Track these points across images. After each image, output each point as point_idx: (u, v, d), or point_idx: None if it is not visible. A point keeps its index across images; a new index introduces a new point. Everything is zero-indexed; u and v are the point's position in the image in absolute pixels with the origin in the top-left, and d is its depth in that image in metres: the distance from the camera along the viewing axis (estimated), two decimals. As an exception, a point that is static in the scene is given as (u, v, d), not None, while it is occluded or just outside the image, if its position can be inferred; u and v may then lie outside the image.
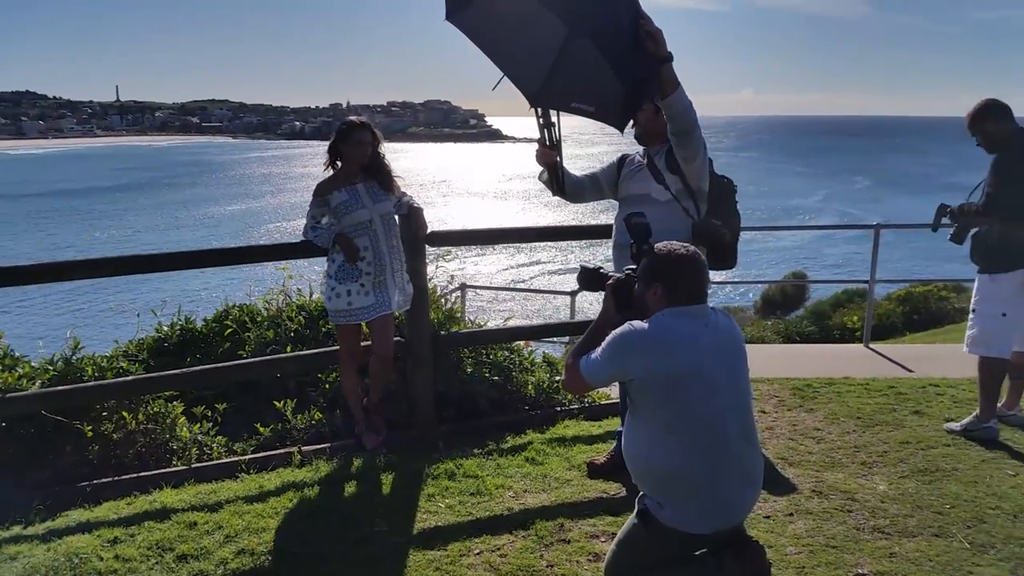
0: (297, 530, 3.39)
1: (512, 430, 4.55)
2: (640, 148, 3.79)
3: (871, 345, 6.77)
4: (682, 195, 3.59)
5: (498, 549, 3.21)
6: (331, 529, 3.40)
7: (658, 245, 2.61)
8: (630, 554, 2.69)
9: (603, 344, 2.56)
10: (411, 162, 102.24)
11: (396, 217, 4.25)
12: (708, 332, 2.50)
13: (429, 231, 4.40)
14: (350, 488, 3.81)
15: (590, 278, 2.89)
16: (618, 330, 2.53)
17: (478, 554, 3.17)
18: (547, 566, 3.08)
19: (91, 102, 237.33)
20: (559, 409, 4.90)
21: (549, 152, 3.61)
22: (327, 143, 4.24)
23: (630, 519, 2.68)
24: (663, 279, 2.53)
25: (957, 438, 4.30)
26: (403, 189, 4.35)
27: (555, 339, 7.43)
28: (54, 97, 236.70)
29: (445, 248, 5.34)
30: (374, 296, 4.15)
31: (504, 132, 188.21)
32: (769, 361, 6.42)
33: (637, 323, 2.52)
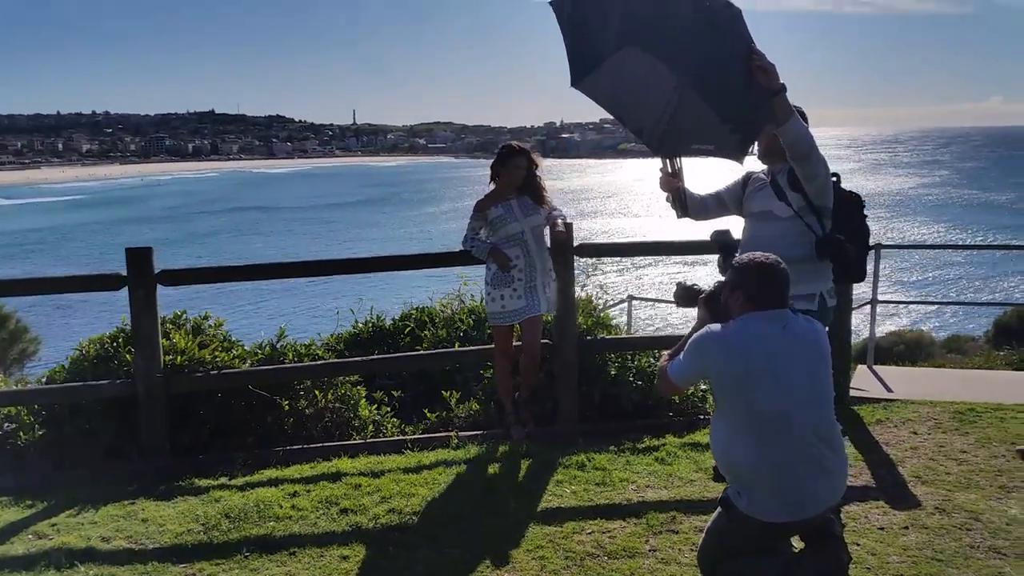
0: (441, 498, 3.94)
1: (650, 433, 4.81)
2: (764, 167, 3.95)
3: (1069, 376, 6.24)
4: (805, 211, 3.72)
5: (608, 531, 3.54)
6: (469, 499, 3.91)
7: (741, 256, 2.85)
8: (716, 540, 2.93)
9: (685, 347, 2.85)
10: (615, 176, 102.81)
11: (545, 228, 4.71)
12: (784, 335, 2.71)
13: (579, 243, 4.82)
14: (492, 469, 4.31)
15: (684, 295, 3.17)
16: (696, 334, 2.81)
17: (589, 534, 3.53)
18: (650, 550, 3.37)
19: (331, 125, 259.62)
20: (701, 417, 5.09)
21: (672, 180, 3.90)
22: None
23: (717, 508, 2.92)
24: (742, 286, 2.78)
25: None
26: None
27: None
28: (300, 121, 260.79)
29: (603, 258, 5.70)
30: (525, 300, 4.63)
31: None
32: (945, 384, 6.12)
33: (714, 326, 2.79)
